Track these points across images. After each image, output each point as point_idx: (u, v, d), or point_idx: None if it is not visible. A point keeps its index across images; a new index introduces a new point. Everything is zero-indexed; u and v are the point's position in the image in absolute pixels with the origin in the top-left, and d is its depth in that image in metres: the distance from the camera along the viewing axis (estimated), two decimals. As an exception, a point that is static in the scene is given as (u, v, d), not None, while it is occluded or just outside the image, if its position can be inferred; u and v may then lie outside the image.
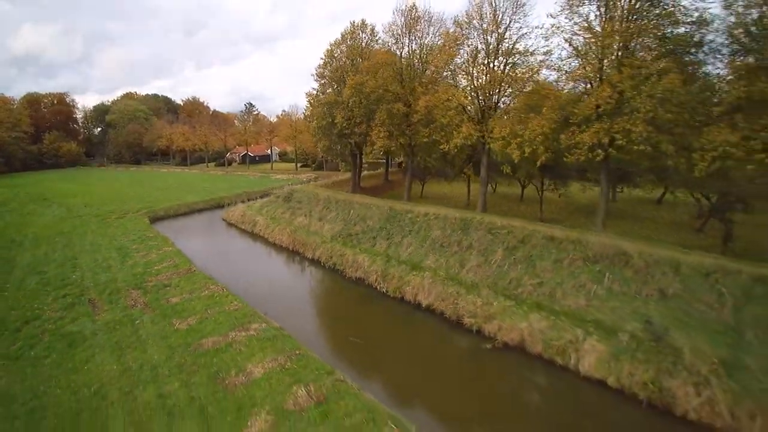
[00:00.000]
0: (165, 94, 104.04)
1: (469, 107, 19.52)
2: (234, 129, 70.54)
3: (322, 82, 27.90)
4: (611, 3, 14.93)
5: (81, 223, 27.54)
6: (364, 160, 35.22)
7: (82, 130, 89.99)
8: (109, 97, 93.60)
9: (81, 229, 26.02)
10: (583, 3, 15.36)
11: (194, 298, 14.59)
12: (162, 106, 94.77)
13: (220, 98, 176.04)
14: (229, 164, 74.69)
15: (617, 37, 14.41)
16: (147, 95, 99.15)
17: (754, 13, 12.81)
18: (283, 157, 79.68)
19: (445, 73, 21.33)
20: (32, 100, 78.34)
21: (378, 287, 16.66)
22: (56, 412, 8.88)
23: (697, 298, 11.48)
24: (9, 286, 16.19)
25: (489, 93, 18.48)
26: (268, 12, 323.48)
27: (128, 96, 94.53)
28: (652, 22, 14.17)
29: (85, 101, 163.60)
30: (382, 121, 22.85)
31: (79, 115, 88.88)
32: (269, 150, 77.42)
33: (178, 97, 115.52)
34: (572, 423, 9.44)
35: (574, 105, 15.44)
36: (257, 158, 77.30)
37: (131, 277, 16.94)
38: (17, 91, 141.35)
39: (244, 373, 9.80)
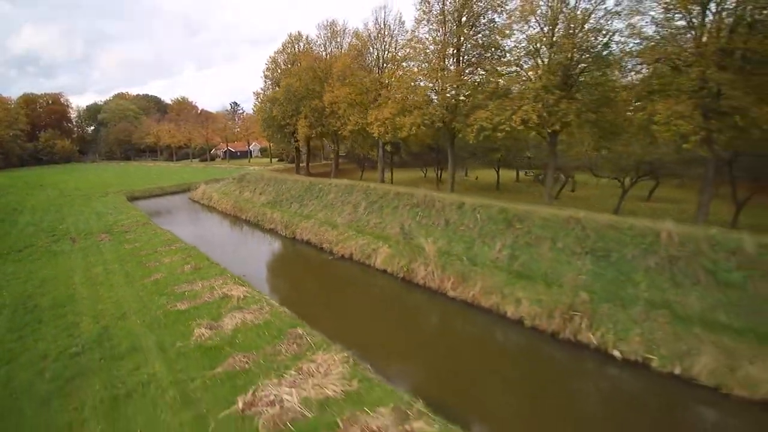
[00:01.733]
0: (165, 94, 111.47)
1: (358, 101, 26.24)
2: (215, 126, 77.46)
3: (267, 83, 34.64)
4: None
5: (70, 200, 34.30)
6: (330, 152, 41.87)
7: (75, 128, 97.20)
8: (107, 98, 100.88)
9: (69, 203, 32.80)
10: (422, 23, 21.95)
11: (142, 236, 21.25)
12: (152, 105, 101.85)
13: (220, 98, 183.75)
14: (212, 159, 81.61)
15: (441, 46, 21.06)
16: (138, 95, 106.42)
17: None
18: (264, 152, 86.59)
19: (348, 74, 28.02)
20: (29, 100, 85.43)
21: (280, 232, 23.43)
22: (43, 279, 15.46)
23: (463, 222, 17.99)
24: (14, 232, 22.95)
25: (373, 90, 25.13)
26: (268, 12, 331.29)
27: (120, 96, 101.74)
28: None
29: (84, 101, 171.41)
30: (305, 115, 29.53)
31: (73, 115, 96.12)
32: (250, 146, 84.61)
33: (177, 96, 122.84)
34: (365, 287, 16.06)
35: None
36: (238, 153, 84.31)
37: (103, 227, 23.64)
38: (17, 90, 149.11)
39: (158, 262, 16.43)
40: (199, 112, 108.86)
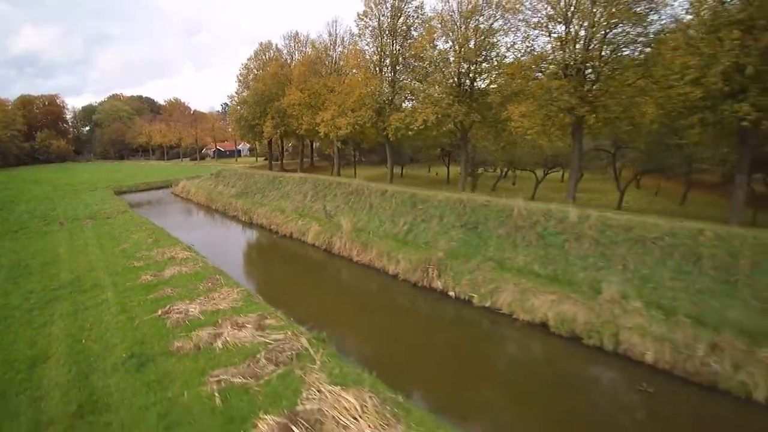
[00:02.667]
0: (163, 95, 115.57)
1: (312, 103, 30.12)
2: (204, 126, 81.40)
3: (240, 87, 38.59)
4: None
5: (61, 193, 38.23)
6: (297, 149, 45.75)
7: (71, 128, 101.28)
8: (104, 98, 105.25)
9: (61, 195, 36.74)
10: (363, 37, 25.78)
11: (120, 220, 25.15)
12: (145, 106, 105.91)
13: (219, 98, 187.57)
14: (203, 158, 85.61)
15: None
16: (132, 96, 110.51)
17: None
18: (253, 152, 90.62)
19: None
20: (26, 101, 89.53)
21: (240, 218, 27.38)
22: (34, 250, 19.30)
23: (382, 205, 21.79)
24: (11, 218, 26.87)
25: (322, 94, 28.98)
26: (267, 13, 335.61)
27: (114, 97, 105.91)
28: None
29: (82, 102, 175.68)
30: (271, 116, 33.42)
31: (68, 115, 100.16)
32: (239, 145, 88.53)
33: (171, 97, 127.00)
34: (293, 255, 19.90)
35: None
36: (228, 153, 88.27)
37: (88, 214, 27.54)
38: (15, 91, 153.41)
39: (128, 237, 20.30)
40: (191, 112, 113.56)
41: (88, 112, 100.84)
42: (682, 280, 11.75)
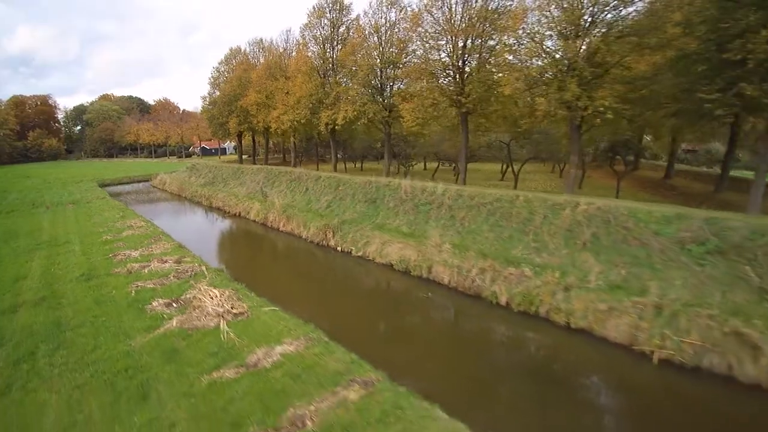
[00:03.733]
0: (159, 94, 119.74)
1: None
2: (191, 124, 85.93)
3: (211, 88, 43.18)
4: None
5: (50, 185, 42.74)
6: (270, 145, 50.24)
7: (63, 128, 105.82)
8: (95, 98, 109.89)
9: (49, 187, 41.25)
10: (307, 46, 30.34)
11: (97, 204, 29.66)
12: (135, 106, 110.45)
13: None
14: (188, 156, 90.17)
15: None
16: (122, 96, 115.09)
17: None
18: (237, 149, 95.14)
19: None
20: (18, 102, 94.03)
21: (203, 203, 31.93)
22: (22, 224, 23.81)
23: (314, 189, 26.33)
24: (3, 203, 31.40)
25: (276, 95, 33.50)
26: (263, 13, 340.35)
27: (104, 97, 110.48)
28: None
29: (77, 101, 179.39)
30: (236, 114, 37.97)
31: (60, 115, 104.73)
32: (224, 144, 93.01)
33: (160, 97, 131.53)
34: (235, 227, 24.43)
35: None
36: (213, 150, 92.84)
37: (71, 200, 32.05)
38: (9, 91, 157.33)
39: (100, 216, 24.82)
40: (180, 111, 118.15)
41: (78, 111, 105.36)
42: (496, 232, 16.30)
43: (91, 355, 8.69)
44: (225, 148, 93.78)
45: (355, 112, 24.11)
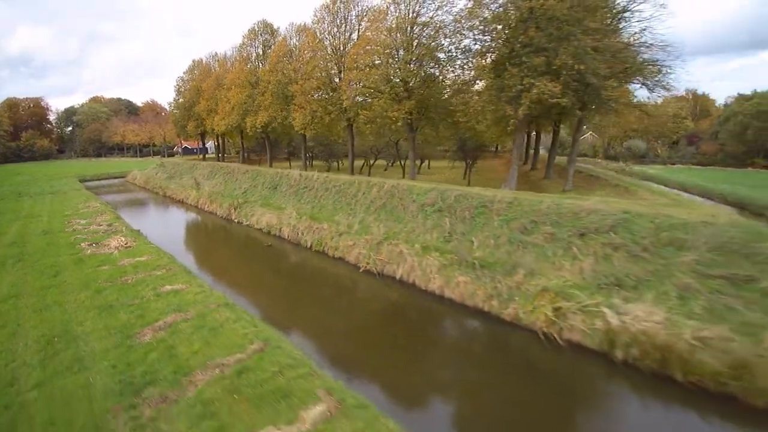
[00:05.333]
0: (158, 94, 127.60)
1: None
2: (171, 125, 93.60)
3: (176, 95, 50.73)
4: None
5: (36, 180, 50.53)
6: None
7: (55, 129, 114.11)
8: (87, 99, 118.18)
9: (35, 181, 49.04)
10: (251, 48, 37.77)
11: (71, 194, 37.28)
12: (123, 108, 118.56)
13: None
14: (171, 155, 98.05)
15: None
16: (111, 98, 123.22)
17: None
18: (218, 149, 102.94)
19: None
20: (12, 104, 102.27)
21: (159, 193, 39.54)
22: (8, 207, 31.41)
23: (240, 179, 33.80)
24: (-5, 194, 39.16)
25: (219, 103, 40.90)
26: (262, 14, 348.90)
27: (94, 100, 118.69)
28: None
29: (75, 102, 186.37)
30: (194, 118, 45.45)
31: (52, 117, 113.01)
32: (205, 143, 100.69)
33: (148, 99, 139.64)
34: (178, 211, 31.97)
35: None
36: (195, 150, 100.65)
37: (51, 191, 39.71)
38: (8, 91, 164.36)
39: (70, 201, 32.39)
40: (166, 113, 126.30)
41: (69, 113, 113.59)
42: (333, 204, 23.59)
43: (35, 264, 16.11)
44: (207, 148, 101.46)
45: (269, 118, 31.46)
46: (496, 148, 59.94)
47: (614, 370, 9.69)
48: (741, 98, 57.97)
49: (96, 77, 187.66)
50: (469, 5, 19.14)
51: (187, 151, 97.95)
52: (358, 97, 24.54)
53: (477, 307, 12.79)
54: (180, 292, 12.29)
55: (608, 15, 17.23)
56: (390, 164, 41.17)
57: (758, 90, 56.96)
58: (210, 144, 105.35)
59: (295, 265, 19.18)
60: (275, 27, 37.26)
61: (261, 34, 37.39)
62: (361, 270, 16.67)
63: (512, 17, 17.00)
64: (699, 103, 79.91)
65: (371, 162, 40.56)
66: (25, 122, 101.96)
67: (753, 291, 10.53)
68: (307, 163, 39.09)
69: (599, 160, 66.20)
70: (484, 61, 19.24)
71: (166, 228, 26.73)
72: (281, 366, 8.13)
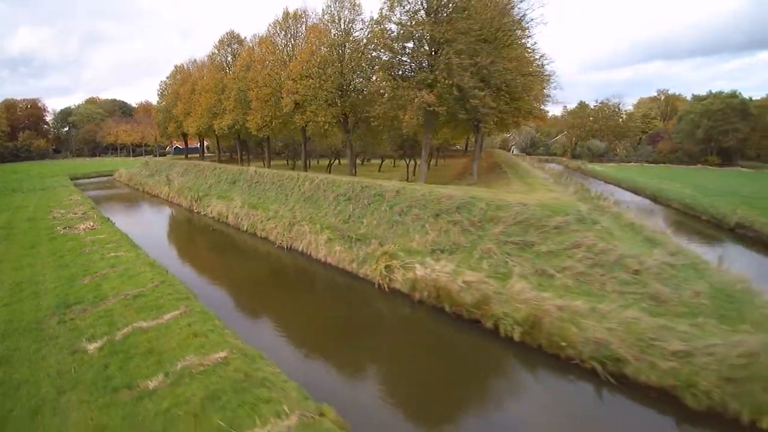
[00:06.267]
0: (151, 94, 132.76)
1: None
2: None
3: (159, 98, 55.29)
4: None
5: (31, 178, 55.28)
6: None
7: (51, 129, 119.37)
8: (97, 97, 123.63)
9: (29, 178, 53.78)
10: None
11: (59, 189, 41.89)
12: (117, 108, 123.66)
13: None
14: (163, 155, 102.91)
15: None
16: (106, 100, 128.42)
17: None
18: (209, 149, 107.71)
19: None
20: (9, 105, 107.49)
21: (139, 189, 44.13)
22: (2, 200, 36.03)
23: (208, 175, 38.22)
24: (-9, 190, 43.89)
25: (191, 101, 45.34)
26: (261, 14, 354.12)
27: (89, 101, 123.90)
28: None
29: (74, 101, 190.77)
30: (174, 120, 49.97)
31: (48, 117, 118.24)
32: (187, 143, 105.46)
33: (142, 100, 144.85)
34: (147, 202, 36.47)
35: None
36: (184, 150, 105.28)
37: (42, 187, 44.36)
38: (7, 91, 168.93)
39: (56, 194, 36.96)
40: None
41: (65, 114, 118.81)
42: (273, 195, 27.89)
43: (18, 242, 20.53)
44: (197, 147, 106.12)
45: (232, 121, 35.86)
46: (466, 147, 64.13)
47: (413, 305, 13.94)
48: (696, 98, 61.71)
49: (96, 77, 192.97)
50: (376, 28, 23.45)
51: (178, 151, 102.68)
52: (297, 102, 28.68)
53: (344, 268, 17.10)
54: (120, 257, 16.63)
55: (482, 36, 21.29)
56: (335, 162, 45.56)
57: (743, 90, 60.64)
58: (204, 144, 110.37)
59: (227, 242, 23.55)
60: (242, 37, 41.68)
61: (230, 45, 41.80)
62: (276, 246, 21.01)
63: (400, 40, 21.29)
64: (670, 104, 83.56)
65: (331, 161, 44.95)
66: (22, 123, 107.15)
67: (531, 252, 14.75)
68: (275, 161, 43.60)
69: (563, 159, 70.29)
70: (386, 74, 23.51)
71: (133, 217, 31.28)
72: (165, 293, 12.46)
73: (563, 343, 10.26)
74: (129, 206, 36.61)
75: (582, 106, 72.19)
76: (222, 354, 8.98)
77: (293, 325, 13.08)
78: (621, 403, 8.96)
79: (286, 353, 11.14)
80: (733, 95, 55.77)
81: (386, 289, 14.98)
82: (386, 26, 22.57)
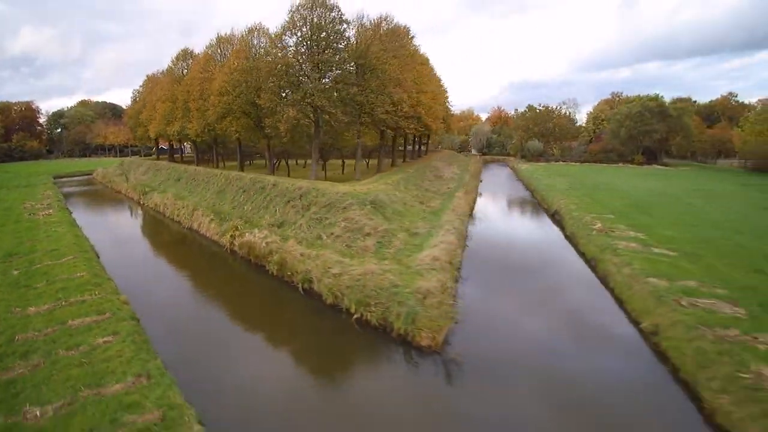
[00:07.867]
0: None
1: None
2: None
3: (132, 104, 63.60)
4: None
5: (19, 176, 63.99)
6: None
7: (45, 130, 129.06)
8: (97, 98, 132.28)
9: (18, 177, 62.47)
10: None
11: (40, 186, 50.29)
12: (107, 110, 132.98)
13: None
14: (149, 155, 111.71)
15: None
16: (97, 102, 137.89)
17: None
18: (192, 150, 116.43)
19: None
20: (3, 108, 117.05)
21: (108, 186, 52.49)
22: (-11, 196, 44.47)
23: (162, 174, 46.32)
24: (-18, 187, 52.55)
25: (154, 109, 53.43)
26: (261, 14, 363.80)
27: (81, 103, 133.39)
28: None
29: (75, 101, 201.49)
30: (142, 124, 58.27)
31: (42, 119, 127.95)
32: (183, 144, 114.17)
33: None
34: (105, 196, 44.74)
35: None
36: (167, 150, 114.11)
37: (25, 185, 52.84)
38: (7, 91, 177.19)
39: (36, 189, 45.32)
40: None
41: (57, 116, 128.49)
42: (202, 188, 35.78)
43: (-8, 222, 28.70)
44: (182, 149, 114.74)
45: (179, 127, 43.88)
46: (415, 147, 71.05)
47: (239, 260, 21.70)
48: (625, 101, 68.45)
49: (97, 77, 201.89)
50: (267, 58, 31.27)
51: (162, 152, 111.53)
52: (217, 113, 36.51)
53: (212, 238, 24.99)
54: (57, 231, 24.61)
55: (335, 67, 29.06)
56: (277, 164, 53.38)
57: (734, 90, 67.49)
58: (185, 146, 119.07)
59: (146, 223, 31.64)
60: (195, 53, 49.67)
61: (185, 60, 49.85)
62: (182, 225, 28.95)
63: (280, 68, 29.16)
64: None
65: (276, 162, 52.69)
66: (16, 124, 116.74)
67: (324, 223, 22.39)
68: (257, 161, 51.63)
69: (511, 158, 77.49)
70: (272, 95, 31.35)
71: (89, 206, 39.47)
72: (73, 249, 20.39)
73: (289, 273, 17.95)
74: (91, 199, 44.78)
75: (531, 108, 79.25)
76: (82, 274, 16.82)
77: (158, 268, 20.95)
78: (305, 301, 16.62)
79: (136, 276, 19.01)
80: (653, 98, 62.48)
81: (229, 250, 22.78)
82: (272, 58, 30.38)
